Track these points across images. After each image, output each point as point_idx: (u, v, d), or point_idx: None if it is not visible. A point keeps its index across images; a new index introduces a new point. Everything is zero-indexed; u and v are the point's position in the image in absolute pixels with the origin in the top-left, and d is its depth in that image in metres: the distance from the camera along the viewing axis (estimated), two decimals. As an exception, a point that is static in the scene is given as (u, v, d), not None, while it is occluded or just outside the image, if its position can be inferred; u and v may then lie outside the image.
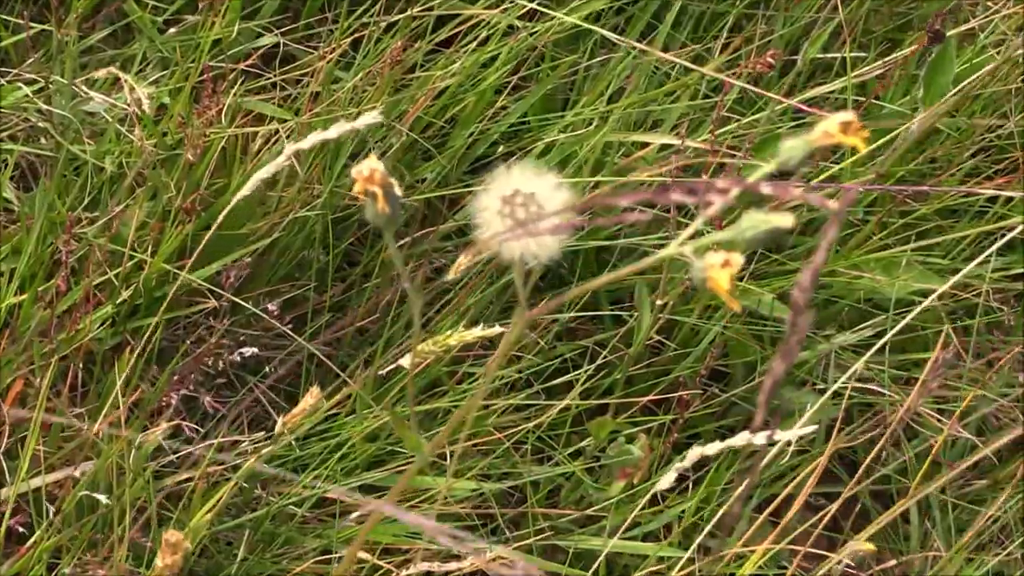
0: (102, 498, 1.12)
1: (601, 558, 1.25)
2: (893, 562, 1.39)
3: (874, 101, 1.51)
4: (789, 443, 1.27)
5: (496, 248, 0.68)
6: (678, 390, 1.37)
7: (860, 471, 1.25)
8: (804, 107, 1.36)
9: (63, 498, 1.22)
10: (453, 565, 1.12)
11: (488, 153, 1.48)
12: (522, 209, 0.69)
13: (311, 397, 1.16)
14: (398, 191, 0.80)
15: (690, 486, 1.38)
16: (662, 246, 0.71)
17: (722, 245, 0.71)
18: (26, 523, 1.19)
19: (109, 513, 1.17)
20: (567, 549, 1.34)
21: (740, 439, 1.09)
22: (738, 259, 0.70)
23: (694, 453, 1.11)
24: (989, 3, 1.52)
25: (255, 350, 1.20)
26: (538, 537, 1.33)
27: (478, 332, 1.12)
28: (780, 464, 1.40)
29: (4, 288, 1.27)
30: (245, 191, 1.07)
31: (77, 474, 1.19)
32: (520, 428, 1.34)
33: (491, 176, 0.70)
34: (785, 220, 0.70)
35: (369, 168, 0.77)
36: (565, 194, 0.68)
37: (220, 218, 1.17)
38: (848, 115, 0.69)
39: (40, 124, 1.35)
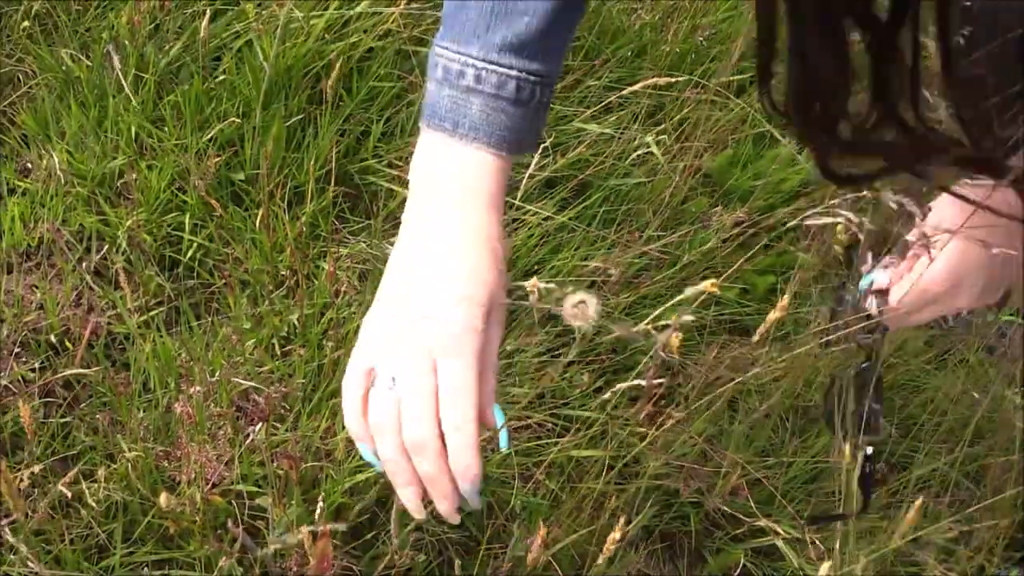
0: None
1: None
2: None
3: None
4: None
5: (571, 322, 1.03)
6: (600, 355, 2.12)
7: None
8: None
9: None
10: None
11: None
12: (582, 308, 1.03)
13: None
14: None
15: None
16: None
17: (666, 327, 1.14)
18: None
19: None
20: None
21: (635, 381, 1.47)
22: (680, 336, 1.16)
23: (623, 384, 1.47)
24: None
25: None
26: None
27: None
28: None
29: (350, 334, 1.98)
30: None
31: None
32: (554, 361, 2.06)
33: (565, 293, 1.06)
34: (674, 339, 1.17)
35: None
36: (598, 303, 1.02)
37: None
38: (709, 282, 1.13)
39: (367, 256, 2.18)
